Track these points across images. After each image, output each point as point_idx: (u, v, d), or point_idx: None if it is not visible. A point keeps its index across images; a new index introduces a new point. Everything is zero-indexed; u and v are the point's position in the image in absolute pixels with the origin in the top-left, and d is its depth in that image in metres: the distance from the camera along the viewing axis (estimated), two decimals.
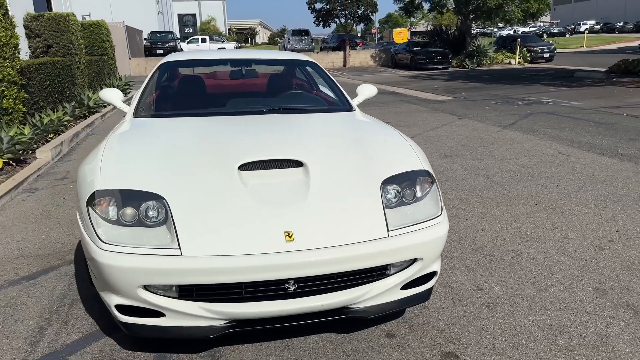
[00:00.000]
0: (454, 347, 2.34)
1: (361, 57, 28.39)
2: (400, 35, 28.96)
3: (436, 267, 2.48)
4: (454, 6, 26.40)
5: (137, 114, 3.48)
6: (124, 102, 3.90)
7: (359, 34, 51.95)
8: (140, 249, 2.11)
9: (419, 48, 25.09)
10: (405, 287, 2.38)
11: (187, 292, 2.16)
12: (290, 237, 2.16)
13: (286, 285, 2.16)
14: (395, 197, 2.45)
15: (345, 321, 2.53)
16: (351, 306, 2.29)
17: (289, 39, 31.43)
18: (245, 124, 3.24)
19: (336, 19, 27.19)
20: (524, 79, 16.13)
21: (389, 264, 2.28)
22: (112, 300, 2.20)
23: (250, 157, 2.56)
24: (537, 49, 25.70)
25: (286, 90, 4.41)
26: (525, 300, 2.76)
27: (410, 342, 2.39)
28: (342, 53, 27.86)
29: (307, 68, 4.43)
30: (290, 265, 2.08)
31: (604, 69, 16.33)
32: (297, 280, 2.15)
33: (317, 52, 29.86)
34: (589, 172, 5.27)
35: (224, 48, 32.14)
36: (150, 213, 2.24)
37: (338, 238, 2.19)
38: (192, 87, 4.03)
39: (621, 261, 3.20)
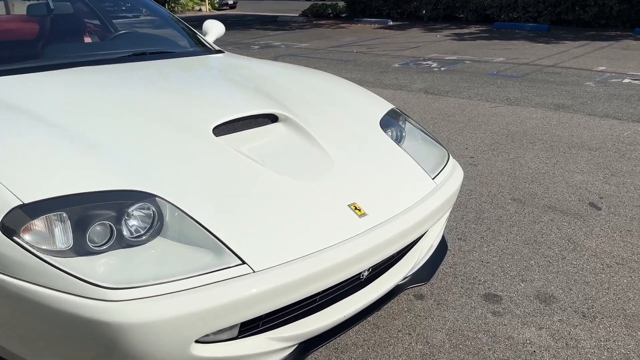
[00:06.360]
0: (488, 287, 2.24)
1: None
2: None
3: None
4: None
5: None
6: None
7: None
8: (183, 282, 1.29)
9: None
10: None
11: (251, 323, 1.45)
12: (359, 210, 1.65)
13: (361, 273, 1.67)
14: (397, 141, 2.14)
15: None
16: (408, 275, 1.93)
17: None
18: (128, 74, 2.34)
19: None
20: (235, 24, 16.28)
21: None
22: None
23: (217, 117, 1.85)
24: None
25: (102, 29, 3.38)
26: None
27: (444, 295, 2.18)
28: None
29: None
30: (375, 248, 1.60)
31: (297, 14, 17.78)
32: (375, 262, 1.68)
33: None
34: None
35: None
36: (134, 223, 1.40)
37: (401, 201, 1.78)
38: None
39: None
